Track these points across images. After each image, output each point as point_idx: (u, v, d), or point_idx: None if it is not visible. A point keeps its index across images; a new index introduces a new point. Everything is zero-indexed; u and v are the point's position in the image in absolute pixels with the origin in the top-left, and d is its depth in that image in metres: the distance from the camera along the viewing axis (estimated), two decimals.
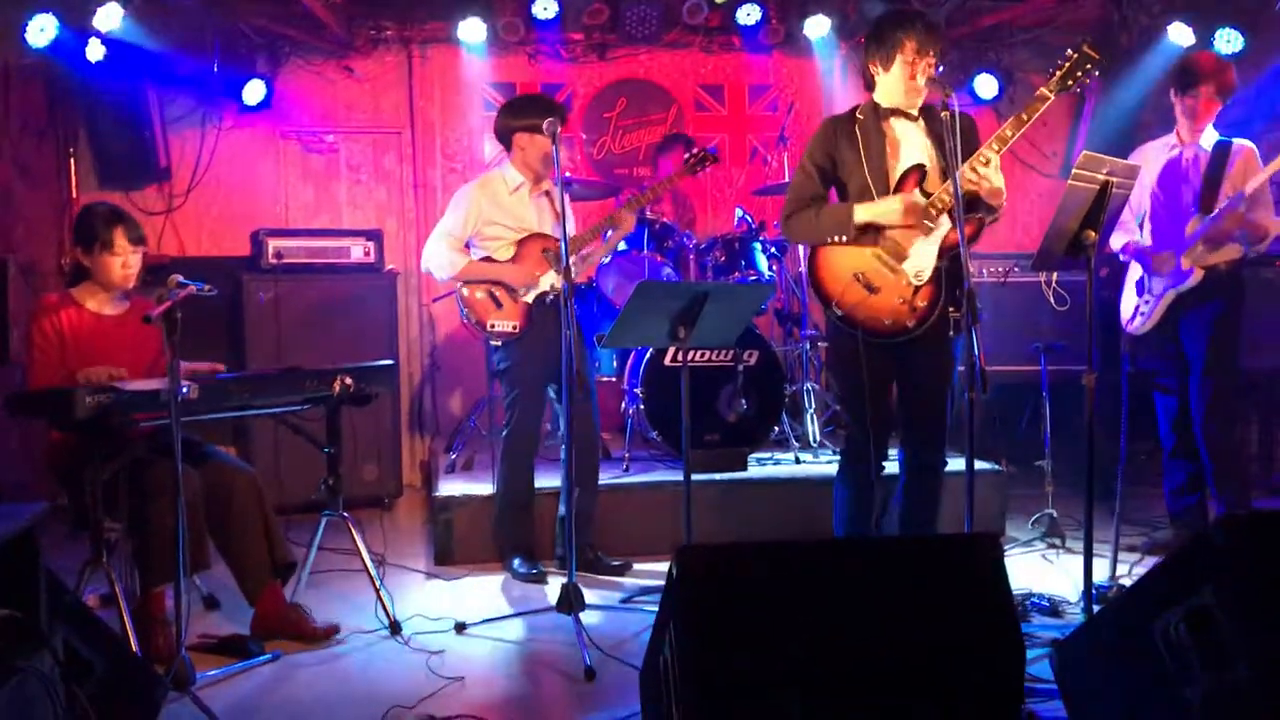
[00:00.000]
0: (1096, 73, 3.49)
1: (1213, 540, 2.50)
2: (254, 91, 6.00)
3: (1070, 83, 3.48)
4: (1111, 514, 4.37)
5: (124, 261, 3.76)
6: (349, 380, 3.89)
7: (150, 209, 6.12)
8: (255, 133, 6.38)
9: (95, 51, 5.13)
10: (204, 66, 5.84)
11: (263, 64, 6.15)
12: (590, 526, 4.59)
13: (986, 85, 6.54)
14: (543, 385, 4.55)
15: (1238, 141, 4.46)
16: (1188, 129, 4.50)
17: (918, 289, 3.60)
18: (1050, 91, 3.47)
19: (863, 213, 3.62)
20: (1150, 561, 4.53)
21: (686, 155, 4.83)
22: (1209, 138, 4.48)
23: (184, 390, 3.22)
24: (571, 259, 3.86)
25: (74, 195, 6.01)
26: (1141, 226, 4.63)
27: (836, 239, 3.67)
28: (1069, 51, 3.48)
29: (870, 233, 3.64)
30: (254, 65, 6.08)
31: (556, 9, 6.16)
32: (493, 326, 4.44)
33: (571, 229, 4.56)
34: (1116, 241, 4.60)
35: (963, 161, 3.46)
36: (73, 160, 6.04)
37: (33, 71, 5.46)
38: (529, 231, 4.49)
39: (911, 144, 3.68)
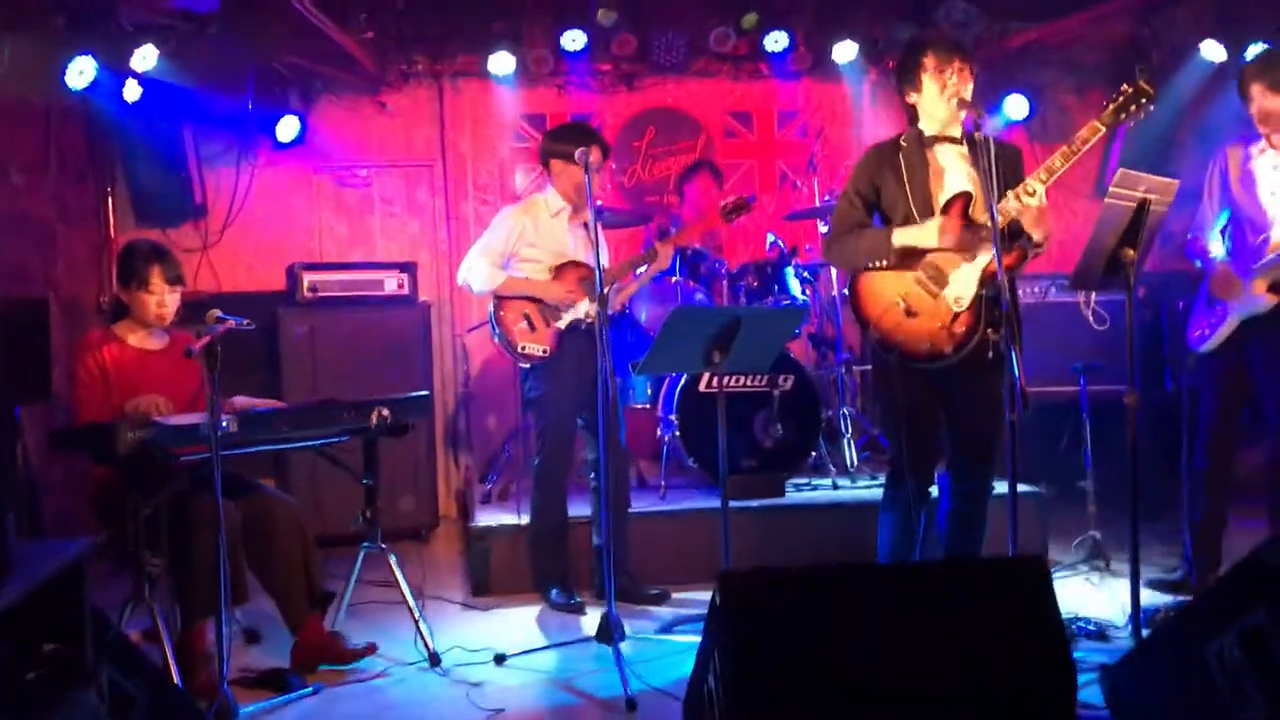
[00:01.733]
0: (1151, 107, 3.42)
1: (1265, 561, 2.46)
2: (288, 128, 6.07)
3: (1124, 116, 3.43)
4: (1155, 536, 4.29)
5: (159, 300, 3.80)
6: (386, 412, 3.90)
7: (186, 246, 6.18)
8: (289, 168, 6.45)
9: (132, 92, 5.20)
10: (239, 104, 5.91)
11: (296, 100, 6.22)
12: (626, 555, 4.57)
13: (1017, 106, 6.51)
14: (574, 414, 4.55)
15: None
16: (1265, 133, 4.17)
17: (957, 315, 3.56)
18: (1103, 125, 3.42)
19: (901, 237, 3.60)
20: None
21: (723, 203, 4.81)
22: None
23: (224, 424, 3.25)
24: (608, 288, 3.87)
25: (112, 234, 6.09)
26: (1223, 234, 4.31)
27: (876, 264, 3.65)
28: (1124, 85, 3.42)
29: (911, 257, 3.61)
30: (288, 102, 6.15)
31: (585, 40, 6.20)
32: (523, 349, 4.45)
33: (606, 259, 4.58)
34: (1201, 237, 4.36)
35: (1006, 188, 3.43)
36: (111, 199, 6.12)
37: (72, 113, 5.54)
38: (566, 258, 4.51)
39: (956, 172, 3.65)
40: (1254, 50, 5.79)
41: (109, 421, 3.33)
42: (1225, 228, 4.34)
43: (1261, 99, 4.15)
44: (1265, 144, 4.23)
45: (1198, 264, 4.41)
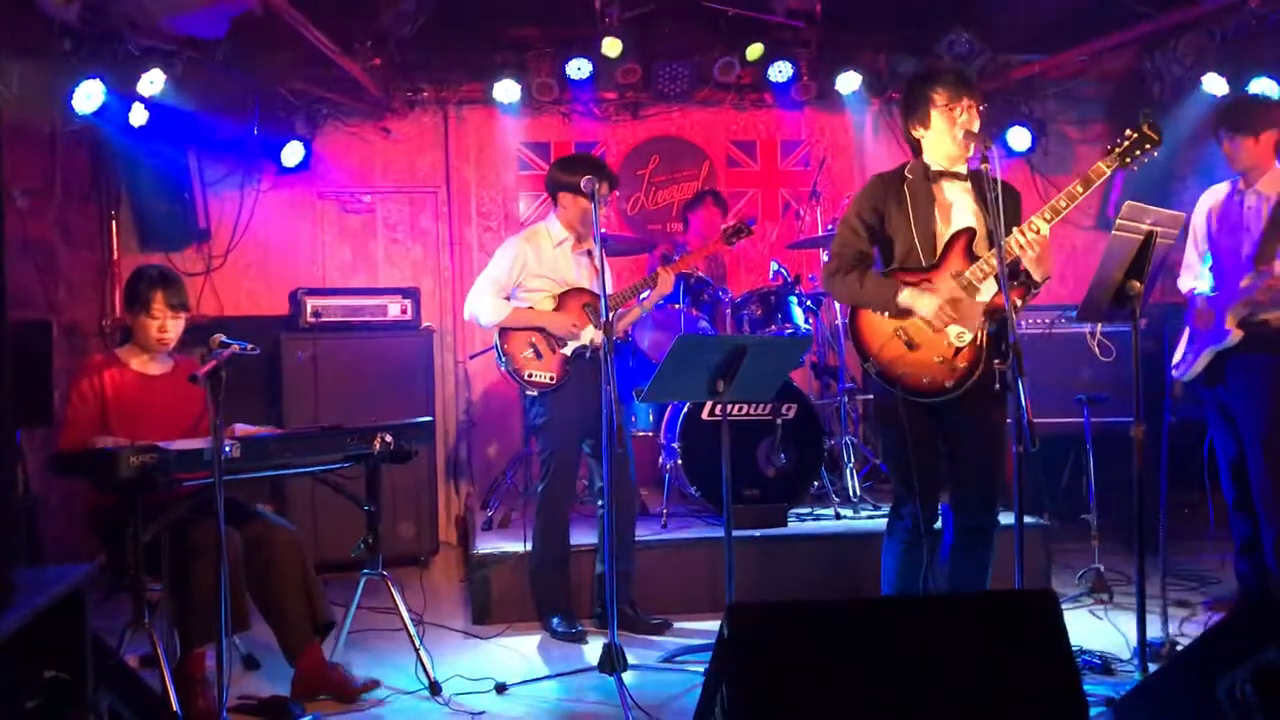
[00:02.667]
0: (1155, 153, 3.43)
1: (1277, 597, 2.44)
2: (293, 153, 6.09)
3: (1128, 160, 3.44)
4: (1157, 569, 4.27)
5: (160, 325, 3.80)
6: (389, 438, 3.88)
7: (190, 270, 6.19)
8: (293, 193, 6.46)
9: (138, 116, 5.21)
10: (244, 130, 5.93)
11: (301, 126, 6.24)
12: (629, 584, 4.55)
13: (1019, 138, 6.53)
14: (578, 441, 4.54)
15: None
16: (1243, 175, 4.37)
17: (959, 350, 3.55)
18: (1107, 168, 3.42)
19: (906, 299, 3.57)
20: (1206, 618, 4.43)
21: (724, 227, 4.86)
22: (1274, 180, 4.30)
23: (227, 449, 3.23)
24: (610, 315, 3.87)
25: (115, 257, 6.10)
26: (1211, 271, 4.48)
27: (876, 310, 3.65)
28: (1128, 130, 3.43)
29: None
30: (293, 128, 6.17)
31: (590, 69, 6.23)
32: (530, 376, 4.44)
33: (610, 287, 4.58)
34: (1184, 284, 4.55)
35: (1009, 226, 3.43)
36: (114, 223, 6.13)
37: (78, 137, 5.55)
38: (570, 286, 4.51)
39: (961, 207, 3.63)
40: (1255, 85, 5.84)
41: (112, 447, 3.31)
42: (1210, 265, 4.47)
43: (1228, 143, 4.34)
44: (1243, 184, 4.37)
45: (1188, 299, 4.56)
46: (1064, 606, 4.61)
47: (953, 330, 3.54)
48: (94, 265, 6.04)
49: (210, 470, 3.23)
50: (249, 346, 3.39)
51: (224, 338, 3.33)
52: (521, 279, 4.50)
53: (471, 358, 6.34)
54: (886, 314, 3.62)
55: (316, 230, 6.55)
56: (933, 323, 3.54)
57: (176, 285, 3.86)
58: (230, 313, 6.30)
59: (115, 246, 6.14)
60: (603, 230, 4.01)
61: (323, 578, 4.03)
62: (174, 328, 3.84)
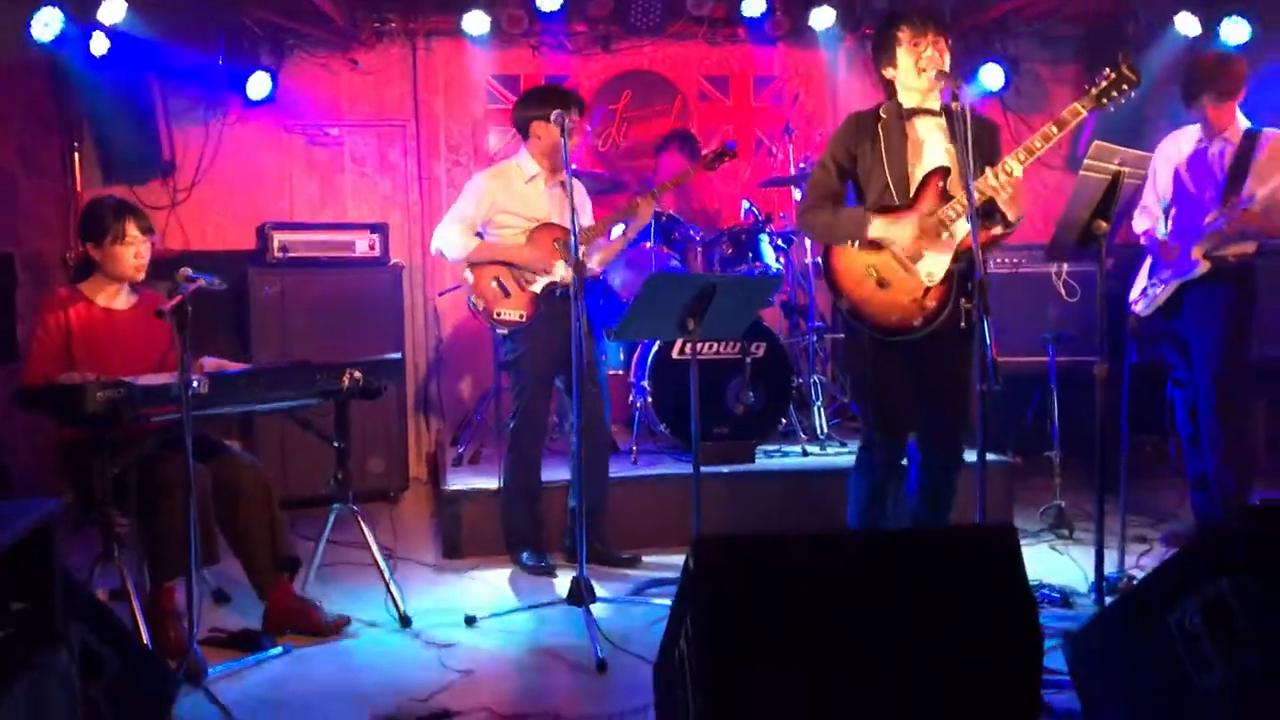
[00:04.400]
0: (1133, 94, 3.43)
1: (1230, 531, 2.50)
2: (259, 85, 5.98)
3: (1105, 101, 3.44)
4: (1118, 505, 4.35)
5: (136, 251, 3.76)
6: (358, 374, 3.87)
7: (155, 203, 6.10)
8: (260, 126, 6.36)
9: (99, 45, 5.10)
10: (208, 60, 5.82)
11: (267, 57, 6.12)
12: (600, 520, 4.59)
13: (992, 76, 6.51)
14: (550, 377, 4.55)
15: (1268, 131, 4.34)
16: (1208, 127, 4.44)
17: (929, 289, 3.58)
18: (1084, 109, 3.43)
19: (878, 229, 3.59)
20: (1162, 552, 4.53)
21: (706, 152, 4.83)
22: (1237, 128, 4.39)
23: (195, 385, 3.22)
24: (583, 249, 3.86)
25: (79, 189, 6.00)
26: (1166, 215, 4.55)
27: (850, 243, 3.66)
28: (1107, 70, 3.43)
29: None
30: (258, 58, 6.05)
31: (560, 0, 6.14)
32: (500, 315, 4.43)
33: (589, 219, 4.57)
34: (1139, 225, 4.61)
35: (983, 164, 3.44)
36: (77, 154, 6.02)
37: (37, 65, 5.43)
38: (540, 221, 4.48)
39: (934, 146, 3.64)
40: (1227, 25, 5.85)
41: (79, 381, 3.29)
42: (1170, 208, 4.54)
43: (1213, 107, 4.38)
44: (1213, 130, 4.44)
45: (1142, 240, 4.64)
46: (1026, 542, 4.71)
47: (923, 269, 3.57)
48: (56, 197, 5.94)
49: (178, 405, 3.22)
50: (215, 281, 3.36)
51: (190, 271, 3.30)
52: (491, 215, 4.46)
53: (441, 294, 6.32)
54: (857, 245, 3.63)
55: (283, 164, 6.46)
56: (907, 252, 3.55)
57: (139, 210, 3.83)
58: (196, 247, 6.22)
59: (79, 178, 6.03)
60: (573, 165, 3.98)
61: (292, 513, 4.06)
62: (146, 254, 3.80)
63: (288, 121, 6.41)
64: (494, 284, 4.43)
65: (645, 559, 4.64)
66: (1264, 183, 4.24)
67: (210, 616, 3.90)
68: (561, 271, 4.42)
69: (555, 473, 4.76)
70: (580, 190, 4.59)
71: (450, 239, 4.44)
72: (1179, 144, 4.55)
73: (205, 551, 3.57)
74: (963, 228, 3.51)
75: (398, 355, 4.41)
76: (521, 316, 4.43)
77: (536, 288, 4.45)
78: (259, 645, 3.62)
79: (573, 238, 3.81)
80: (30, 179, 5.56)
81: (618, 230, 4.70)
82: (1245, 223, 4.25)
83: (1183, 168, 4.51)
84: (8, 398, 4.36)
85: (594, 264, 4.64)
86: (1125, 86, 3.42)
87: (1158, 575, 2.81)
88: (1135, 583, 3.82)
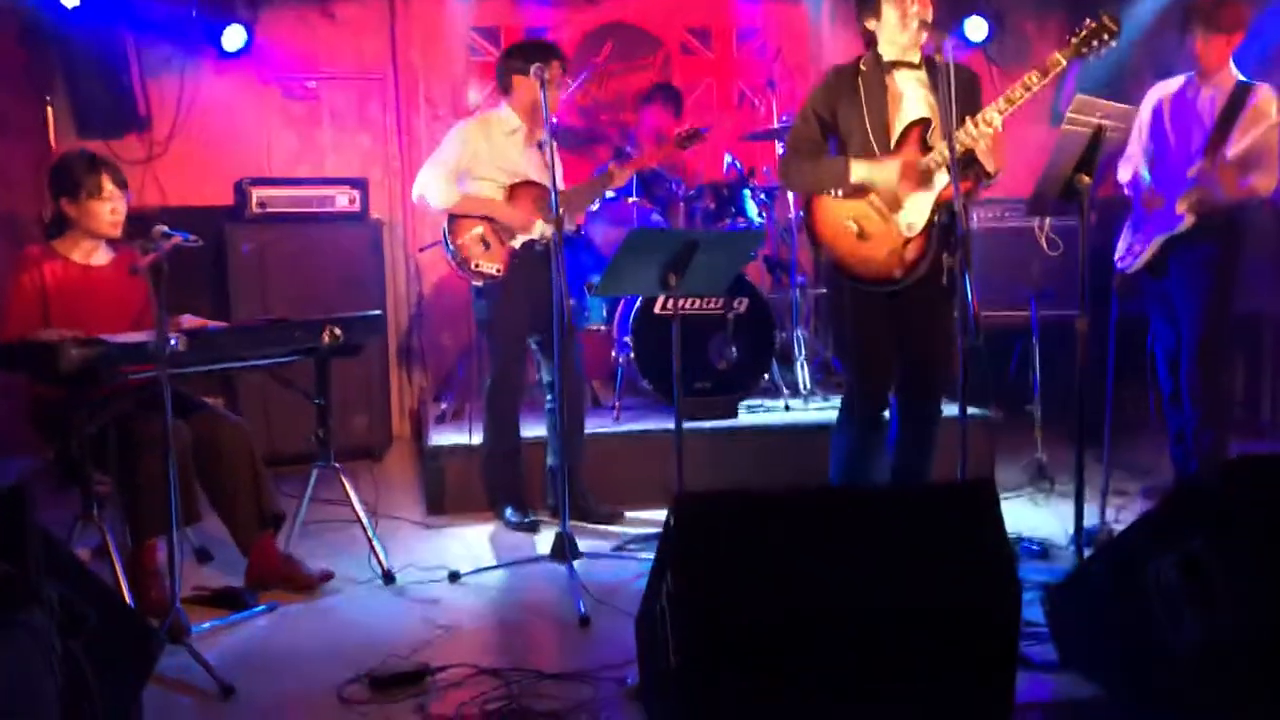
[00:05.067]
0: (1113, 43, 3.40)
1: (1206, 486, 2.52)
2: (234, 37, 5.88)
3: (1085, 51, 3.41)
4: (1100, 459, 4.38)
5: (113, 207, 3.71)
6: (337, 331, 3.85)
7: (131, 158, 6.00)
8: (236, 79, 6.26)
9: None
10: (182, 11, 5.71)
11: (242, 8, 6.01)
12: (578, 475, 4.59)
13: (976, 28, 6.45)
14: (525, 334, 4.54)
15: (1259, 86, 4.28)
16: (1199, 70, 4.37)
17: (908, 240, 3.59)
18: (1064, 59, 3.40)
19: (859, 171, 3.59)
20: (1142, 506, 4.56)
21: (678, 132, 4.89)
22: (1229, 78, 4.32)
23: (173, 343, 3.19)
24: (560, 210, 3.85)
25: (53, 145, 5.90)
26: (1151, 165, 4.51)
27: (831, 192, 3.64)
28: (1088, 20, 3.40)
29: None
30: (233, 10, 5.94)
31: None
32: (477, 266, 4.41)
33: (560, 179, 4.54)
34: (1123, 174, 4.58)
35: (964, 115, 3.42)
36: (50, 110, 5.92)
37: (6, 19, 5.34)
38: (520, 178, 4.44)
39: (914, 98, 3.63)
40: None
41: (55, 339, 3.25)
42: (1153, 160, 4.49)
43: (1201, 39, 4.30)
44: (1199, 79, 4.38)
45: (1127, 191, 4.59)
46: (1007, 496, 4.79)
47: (902, 220, 3.58)
48: (30, 154, 5.85)
49: (155, 363, 3.19)
50: (191, 238, 3.31)
51: (165, 228, 3.25)
52: (470, 165, 4.42)
53: (422, 250, 6.26)
54: (839, 194, 3.62)
55: (261, 118, 6.36)
56: (888, 197, 3.54)
57: (112, 164, 3.78)
58: (174, 203, 6.13)
59: (53, 134, 5.94)
60: (554, 119, 3.94)
61: (275, 471, 4.04)
62: (122, 209, 3.75)
63: (264, 74, 6.31)
64: (475, 235, 4.40)
65: (628, 514, 4.65)
66: (1243, 138, 4.20)
67: (193, 575, 3.91)
68: (540, 229, 4.40)
69: (534, 430, 4.75)
70: (553, 149, 4.55)
71: (433, 186, 4.39)
72: (1166, 91, 4.50)
73: (186, 509, 3.56)
74: (943, 179, 3.51)
75: (378, 312, 4.40)
76: (498, 270, 4.41)
77: (516, 243, 4.42)
78: (242, 603, 3.64)
79: (554, 195, 3.78)
80: (2, 137, 5.47)
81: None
82: (1224, 179, 4.20)
83: (1167, 113, 4.46)
84: None
85: (568, 225, 4.62)
86: (1106, 36, 3.40)
87: (1134, 530, 2.84)
88: (1113, 537, 3.86)
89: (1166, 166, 4.44)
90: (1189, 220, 4.30)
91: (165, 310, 3.14)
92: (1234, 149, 4.20)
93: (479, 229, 4.41)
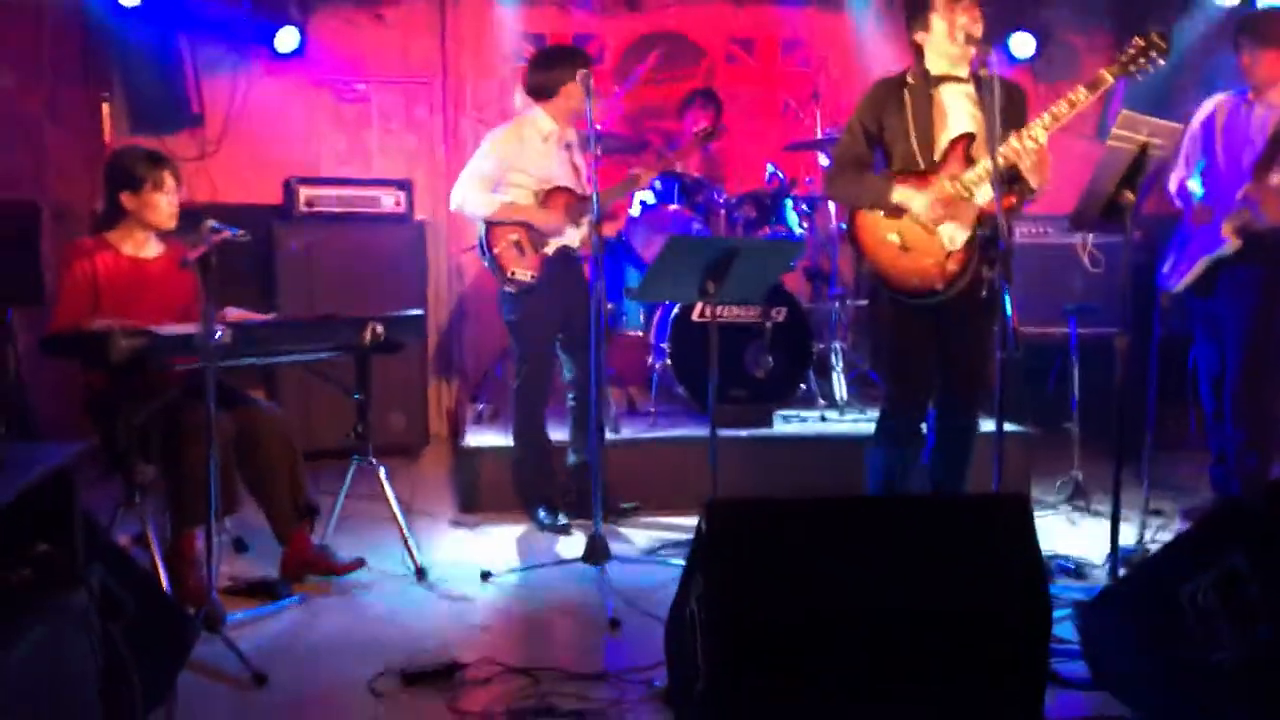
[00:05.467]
0: (1161, 61, 3.39)
1: (1244, 505, 2.50)
2: (287, 39, 5.98)
3: (1133, 69, 3.40)
4: (1136, 478, 4.34)
5: (171, 200, 3.80)
6: (379, 329, 3.90)
7: (183, 154, 6.09)
8: (287, 80, 6.36)
9: None
10: (236, 13, 5.82)
11: (295, 10, 6.12)
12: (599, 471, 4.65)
13: (1023, 44, 6.42)
14: (553, 339, 4.57)
15: None
16: (1253, 86, 4.31)
17: (951, 253, 3.58)
18: (1111, 75, 3.40)
19: (899, 195, 3.59)
20: (1180, 526, 4.51)
21: (695, 130, 4.85)
22: None
23: (218, 335, 3.25)
24: (588, 217, 3.90)
25: (107, 140, 6.02)
26: (1201, 173, 4.43)
27: (871, 208, 3.65)
28: (1136, 39, 3.39)
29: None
30: (286, 11, 6.04)
31: None
32: (513, 274, 4.44)
33: (583, 183, 4.60)
34: (1172, 184, 4.52)
35: (1009, 130, 3.42)
36: (106, 105, 6.04)
37: (66, 16, 5.45)
38: (553, 184, 4.48)
39: (960, 112, 3.63)
40: None
41: (104, 329, 3.32)
42: (1204, 174, 4.42)
43: (1248, 54, 4.26)
44: (1253, 95, 4.32)
45: (1177, 202, 4.52)
46: (1043, 513, 4.77)
47: (945, 233, 3.57)
48: (85, 148, 5.96)
49: (201, 355, 3.25)
50: (240, 233, 3.37)
51: (215, 223, 3.31)
52: (505, 173, 4.46)
53: (465, 251, 6.32)
54: (883, 213, 3.63)
55: (310, 118, 6.46)
56: (925, 219, 3.55)
57: (170, 159, 3.88)
58: (224, 199, 6.22)
59: (107, 130, 6.05)
60: (598, 126, 3.97)
61: (314, 464, 4.10)
62: (177, 202, 3.85)
63: (315, 76, 6.40)
64: (511, 242, 4.44)
65: (662, 520, 4.66)
66: None
67: (230, 564, 3.97)
68: (575, 235, 4.45)
69: (560, 432, 4.78)
70: (578, 151, 4.62)
71: (472, 196, 4.44)
72: (1221, 103, 4.43)
73: (226, 500, 3.62)
74: (985, 192, 3.50)
75: (420, 311, 4.44)
76: (532, 277, 4.45)
77: (549, 249, 4.46)
78: (276, 594, 3.69)
79: (594, 198, 3.80)
80: (58, 129, 5.59)
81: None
82: (1269, 205, 4.13)
83: (1220, 127, 4.40)
84: (35, 344, 4.42)
85: (583, 229, 4.58)
86: (1154, 54, 3.38)
87: (1172, 548, 2.82)
88: (1149, 555, 3.82)
89: (1215, 183, 4.38)
90: (1234, 244, 4.23)
91: (212, 303, 3.19)
92: (1275, 177, 4.13)
93: (515, 235, 4.44)
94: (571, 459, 4.67)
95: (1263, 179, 4.17)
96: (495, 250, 4.45)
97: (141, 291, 3.76)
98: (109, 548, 2.75)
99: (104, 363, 3.28)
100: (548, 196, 4.48)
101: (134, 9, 5.17)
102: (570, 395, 4.63)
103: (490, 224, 4.46)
